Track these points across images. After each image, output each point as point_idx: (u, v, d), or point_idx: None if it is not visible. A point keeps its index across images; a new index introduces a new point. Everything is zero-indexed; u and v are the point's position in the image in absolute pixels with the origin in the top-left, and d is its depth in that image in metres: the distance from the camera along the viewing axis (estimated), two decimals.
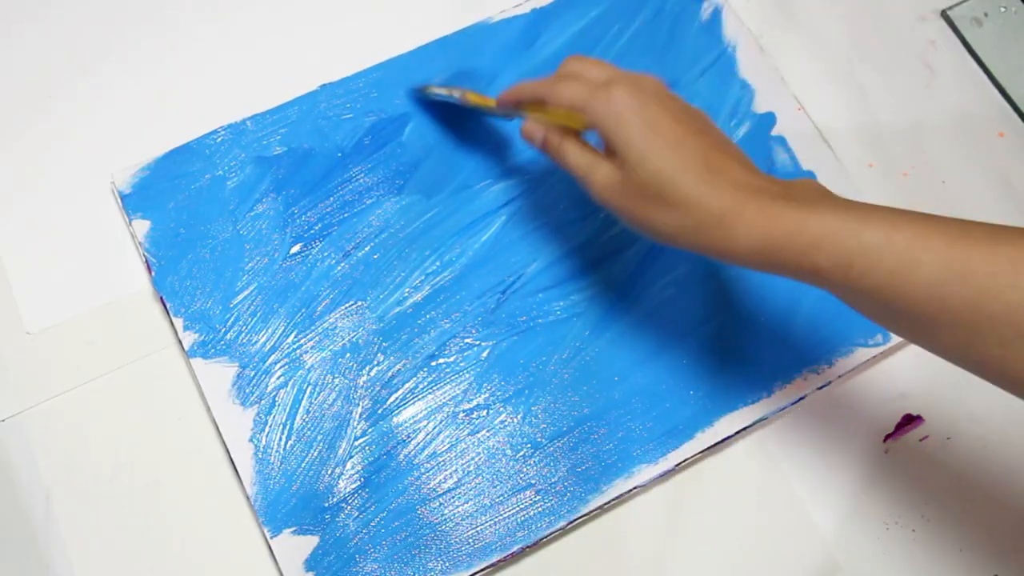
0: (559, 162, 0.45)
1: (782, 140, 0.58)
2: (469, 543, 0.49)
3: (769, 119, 0.59)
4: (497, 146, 0.57)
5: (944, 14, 0.65)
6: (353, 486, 0.49)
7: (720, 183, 0.40)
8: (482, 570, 0.48)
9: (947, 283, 0.36)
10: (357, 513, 0.49)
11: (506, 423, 0.51)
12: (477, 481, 0.50)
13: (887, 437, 0.54)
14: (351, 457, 0.50)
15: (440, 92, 0.55)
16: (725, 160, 0.41)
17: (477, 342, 0.52)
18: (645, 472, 0.51)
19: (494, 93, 0.50)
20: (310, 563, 0.48)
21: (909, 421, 0.54)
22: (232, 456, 0.49)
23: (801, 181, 0.42)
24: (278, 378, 0.51)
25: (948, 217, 0.38)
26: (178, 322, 0.51)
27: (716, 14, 0.61)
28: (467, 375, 0.52)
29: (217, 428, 0.50)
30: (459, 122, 0.57)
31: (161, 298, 0.52)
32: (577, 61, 0.46)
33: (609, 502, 0.50)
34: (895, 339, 0.54)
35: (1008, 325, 0.35)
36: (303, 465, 0.49)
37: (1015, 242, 0.35)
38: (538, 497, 0.50)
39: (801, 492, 0.52)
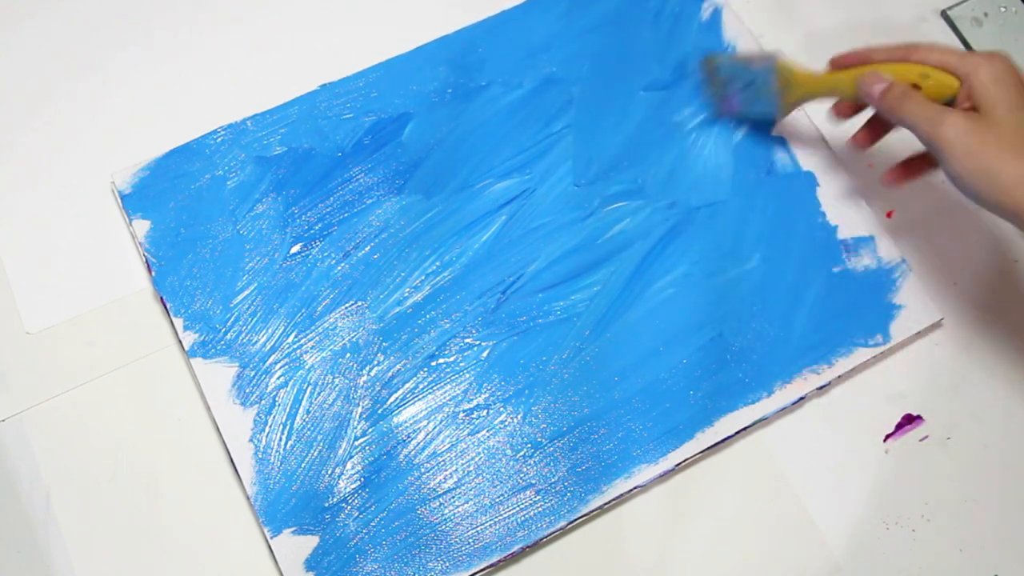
0: (897, 112, 0.48)
1: (782, 140, 0.58)
2: (469, 543, 0.49)
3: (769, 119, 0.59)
4: (497, 146, 0.57)
5: (944, 14, 0.65)
6: (353, 486, 0.49)
7: None
8: (482, 570, 0.48)
9: None
10: (357, 513, 0.49)
11: (506, 423, 0.51)
12: (477, 481, 0.50)
13: (887, 437, 0.54)
14: (351, 457, 0.50)
15: (735, 63, 0.57)
16: None
17: (477, 342, 0.52)
18: (645, 472, 0.50)
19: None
20: (310, 563, 0.48)
21: (909, 421, 0.54)
22: (232, 456, 0.49)
23: None
24: (278, 378, 0.51)
25: None
26: (178, 322, 0.51)
27: (716, 14, 0.61)
28: (467, 375, 0.52)
29: (217, 428, 0.50)
30: (461, 117, 0.57)
31: (161, 298, 0.52)
32: (926, 43, 0.50)
33: (609, 502, 0.50)
34: (895, 339, 0.54)
35: None
36: (303, 465, 0.49)
37: None
38: (538, 497, 0.50)
39: (801, 492, 0.52)
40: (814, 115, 0.59)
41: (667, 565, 0.50)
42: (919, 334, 0.55)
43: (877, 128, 0.54)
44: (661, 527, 0.51)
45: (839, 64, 0.53)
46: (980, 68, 0.46)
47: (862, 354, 0.54)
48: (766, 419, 0.52)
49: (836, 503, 0.52)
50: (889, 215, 0.58)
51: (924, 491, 0.53)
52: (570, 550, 0.50)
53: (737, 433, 0.52)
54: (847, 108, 0.54)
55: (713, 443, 0.51)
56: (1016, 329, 0.57)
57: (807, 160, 0.58)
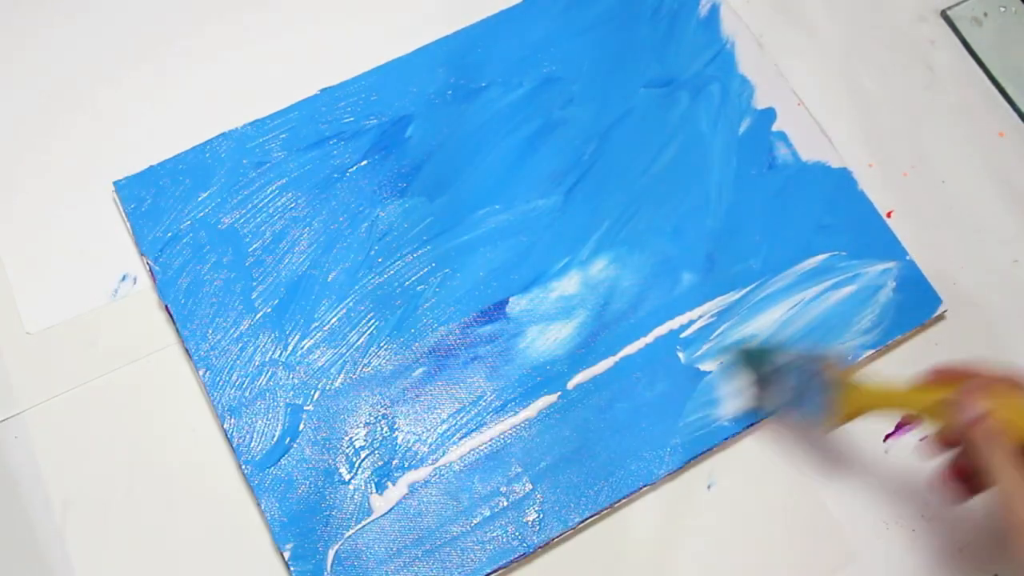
0: (979, 450, 0.40)
1: (783, 135, 0.58)
2: (474, 552, 0.48)
3: (770, 115, 0.59)
4: (499, 145, 0.57)
5: (944, 14, 0.65)
6: (360, 496, 0.49)
7: None
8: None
9: None
10: (366, 524, 0.48)
11: (508, 430, 0.51)
12: (479, 489, 0.50)
13: (887, 437, 0.53)
14: (358, 467, 0.50)
15: (784, 359, 0.49)
16: None
17: (480, 348, 0.52)
18: (646, 474, 0.50)
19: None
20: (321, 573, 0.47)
21: (909, 421, 0.54)
22: (239, 459, 0.49)
23: None
24: (285, 384, 0.51)
25: None
26: (181, 327, 0.51)
27: (714, 10, 0.61)
28: (469, 381, 0.52)
29: (222, 429, 0.50)
30: (462, 118, 0.57)
31: (166, 306, 0.52)
32: None
33: (610, 504, 0.50)
34: (894, 338, 0.54)
35: None
36: (311, 474, 0.49)
37: None
38: (538, 502, 0.49)
39: (800, 492, 0.52)
40: (814, 110, 0.59)
41: (667, 566, 0.50)
42: (919, 333, 0.55)
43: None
44: (662, 528, 0.51)
45: (938, 378, 0.44)
46: None
47: (861, 353, 0.54)
48: (766, 419, 0.52)
49: (836, 503, 0.52)
50: (889, 215, 0.58)
51: (924, 491, 0.52)
52: (570, 553, 0.50)
53: (738, 433, 0.52)
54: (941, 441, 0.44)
55: (714, 443, 0.51)
56: (1016, 329, 0.56)
57: (808, 154, 0.58)
